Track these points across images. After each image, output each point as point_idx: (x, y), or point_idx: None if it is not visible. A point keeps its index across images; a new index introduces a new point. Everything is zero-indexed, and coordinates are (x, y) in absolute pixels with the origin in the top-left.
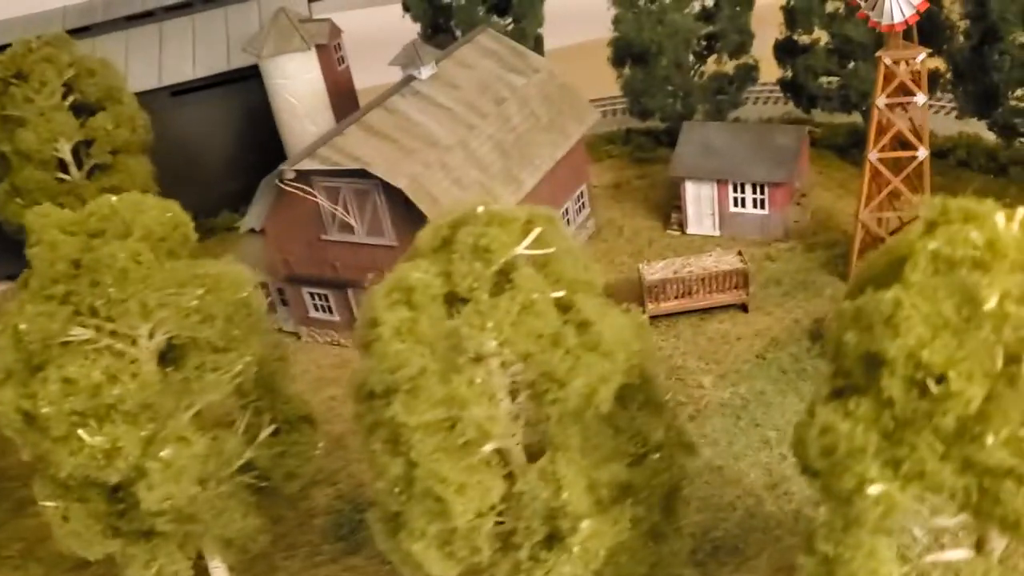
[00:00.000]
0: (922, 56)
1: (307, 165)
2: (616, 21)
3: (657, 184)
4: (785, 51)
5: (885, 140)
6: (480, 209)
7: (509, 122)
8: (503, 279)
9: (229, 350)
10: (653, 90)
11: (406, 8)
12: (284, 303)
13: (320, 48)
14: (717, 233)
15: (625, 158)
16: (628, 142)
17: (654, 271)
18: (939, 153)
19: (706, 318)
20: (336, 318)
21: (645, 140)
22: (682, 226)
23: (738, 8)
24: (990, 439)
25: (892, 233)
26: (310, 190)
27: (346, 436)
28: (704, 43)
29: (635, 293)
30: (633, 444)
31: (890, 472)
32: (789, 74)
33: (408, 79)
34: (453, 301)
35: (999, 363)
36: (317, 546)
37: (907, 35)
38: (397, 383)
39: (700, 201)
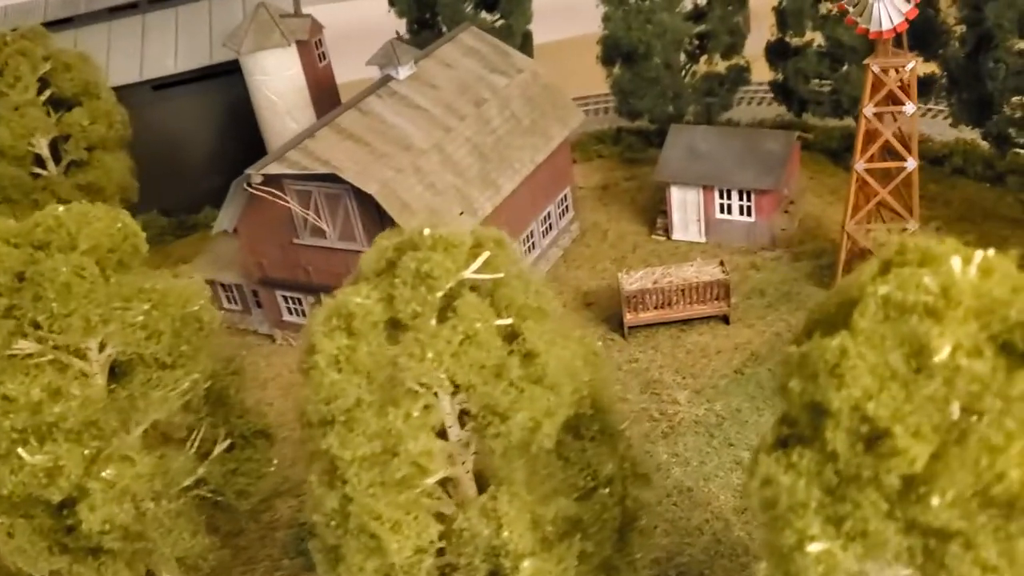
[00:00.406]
0: (911, 64)
1: (275, 169)
2: (605, 19)
3: (645, 186)
4: (777, 53)
5: (873, 150)
6: (426, 231)
7: (488, 124)
8: (447, 307)
9: (177, 366)
10: (641, 91)
11: (391, 3)
12: (259, 305)
13: (301, 44)
14: (703, 240)
15: (615, 158)
16: (618, 142)
17: (633, 280)
18: (935, 160)
19: (686, 329)
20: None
21: (636, 140)
22: (668, 231)
23: (730, 7)
24: (936, 500)
25: (881, 246)
26: (279, 194)
27: None
28: (697, 43)
29: (615, 301)
30: (583, 477)
31: (832, 529)
32: (780, 77)
33: (386, 79)
34: (395, 327)
35: (948, 419)
36: (277, 560)
37: (898, 42)
38: (332, 414)
39: (686, 207)
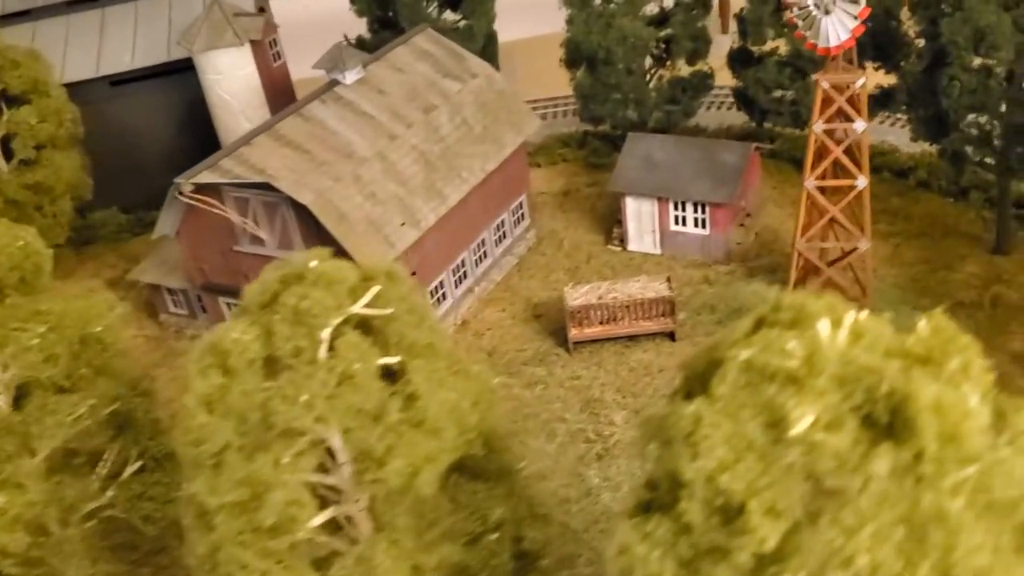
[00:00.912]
0: (861, 81)
1: (206, 178)
2: (569, 21)
3: (606, 193)
4: (739, 60)
5: (823, 167)
6: (313, 264)
7: (437, 132)
8: (326, 346)
9: (75, 390)
10: (602, 96)
11: (352, 1)
12: (204, 311)
13: (254, 44)
14: (658, 251)
15: (579, 163)
16: (584, 146)
17: (577, 296)
18: (900, 172)
19: (631, 346)
20: None
21: (601, 145)
22: (623, 242)
23: (693, 12)
24: None
25: (832, 263)
26: (213, 202)
27: None
28: (664, 47)
29: (564, 314)
30: (472, 522)
31: None
32: (742, 85)
33: (332, 83)
34: (273, 366)
35: (803, 495)
36: None
37: (854, 55)
38: (201, 458)
39: (640, 217)
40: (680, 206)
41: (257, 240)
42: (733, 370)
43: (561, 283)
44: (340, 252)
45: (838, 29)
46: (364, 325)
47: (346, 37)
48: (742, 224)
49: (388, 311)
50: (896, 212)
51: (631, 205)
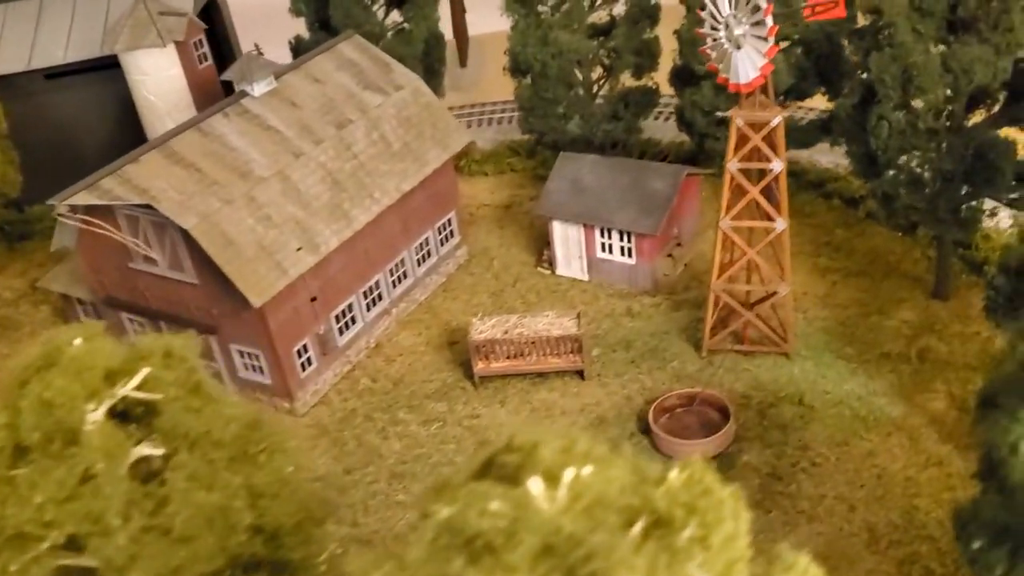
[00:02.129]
0: (777, 120)
1: (83, 200)
2: (512, 28)
3: None
4: (681, 79)
5: (740, 206)
6: (77, 342)
7: (350, 148)
8: (72, 439)
9: None
10: (540, 109)
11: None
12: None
13: (179, 45)
14: (586, 278)
15: (527, 173)
16: (534, 155)
17: (483, 329)
18: (850, 200)
19: (538, 383)
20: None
21: (551, 156)
22: (552, 265)
23: (638, 24)
24: None
25: (753, 305)
26: (98, 222)
27: None
28: (614, 57)
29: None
30: None
31: None
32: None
33: (241, 94)
34: (24, 455)
35: None
36: None
37: (770, 90)
38: None
39: (568, 243)
40: (606, 233)
41: (150, 259)
42: (430, 529)
43: (483, 307)
44: (226, 279)
45: (748, 66)
46: (130, 413)
47: (256, 46)
48: (670, 255)
49: (157, 397)
50: (840, 246)
51: (558, 230)
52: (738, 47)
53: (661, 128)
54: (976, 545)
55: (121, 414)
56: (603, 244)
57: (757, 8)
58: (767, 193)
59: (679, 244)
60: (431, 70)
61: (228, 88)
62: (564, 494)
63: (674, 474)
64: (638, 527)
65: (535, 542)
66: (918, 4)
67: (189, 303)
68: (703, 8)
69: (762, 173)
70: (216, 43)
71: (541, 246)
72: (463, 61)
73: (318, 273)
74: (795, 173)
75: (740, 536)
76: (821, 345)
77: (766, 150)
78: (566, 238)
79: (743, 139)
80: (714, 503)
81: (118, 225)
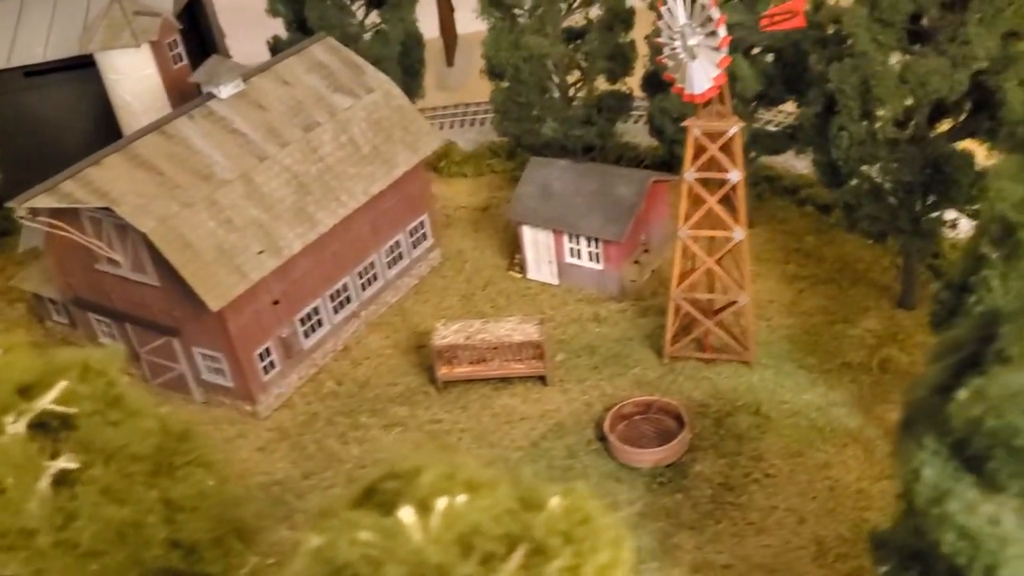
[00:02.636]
0: (734, 129)
1: (43, 202)
2: (489, 31)
3: None
4: (652, 85)
5: (698, 216)
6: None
7: (317, 151)
8: None
9: None
10: (513, 113)
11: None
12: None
13: (153, 45)
14: (556, 282)
15: (507, 175)
16: (514, 156)
17: (445, 335)
18: (823, 207)
19: (501, 388)
20: (122, 348)
21: (536, 150)
22: (523, 269)
23: (611, 29)
24: None
25: (717, 312)
26: (62, 225)
27: None
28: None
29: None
30: None
31: None
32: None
33: (207, 96)
34: None
35: None
36: None
37: (727, 100)
38: None
39: (538, 247)
40: (575, 239)
41: (114, 261)
42: (302, 559)
43: (453, 310)
44: (186, 282)
45: (701, 76)
46: (47, 427)
47: (218, 50)
48: (637, 261)
49: (72, 411)
50: (810, 252)
51: (528, 234)
52: (693, 57)
53: (641, 132)
54: (883, 569)
55: (39, 427)
56: (572, 249)
57: (710, 19)
58: (726, 202)
59: (647, 250)
60: (411, 71)
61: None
62: (437, 523)
63: (555, 501)
64: (515, 557)
65: (401, 573)
66: (878, 15)
67: (152, 305)
68: (660, 17)
69: (722, 182)
70: (200, 42)
71: (514, 249)
72: (450, 60)
73: (281, 276)
74: (770, 178)
75: (619, 565)
76: (783, 354)
77: (723, 160)
78: (536, 243)
79: (701, 149)
80: (592, 532)
81: (82, 227)
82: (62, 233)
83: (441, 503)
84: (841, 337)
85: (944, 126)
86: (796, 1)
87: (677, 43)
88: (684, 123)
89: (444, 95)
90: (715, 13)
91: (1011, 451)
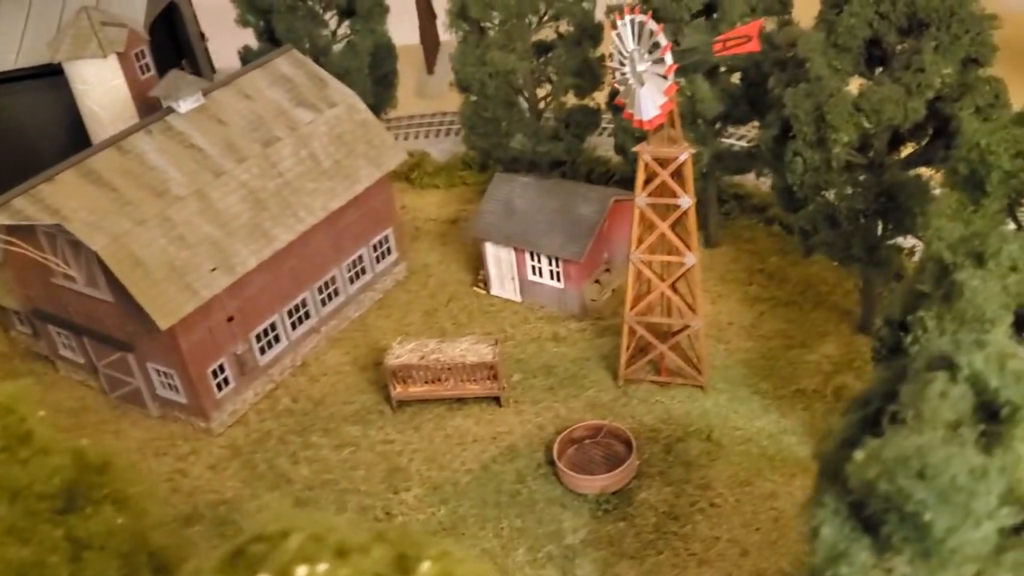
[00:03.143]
0: (684, 156)
1: None
2: (459, 43)
3: None
4: (614, 103)
5: (650, 240)
6: None
7: (276, 167)
8: None
9: None
10: (480, 128)
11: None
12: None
13: (120, 55)
14: (519, 299)
15: (478, 188)
16: (485, 169)
17: (400, 354)
18: (790, 227)
19: (455, 408)
20: (81, 360)
21: (503, 167)
22: (487, 285)
23: (579, 45)
24: None
25: (675, 334)
26: (16, 241)
27: None
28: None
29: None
30: None
31: None
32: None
33: (167, 111)
34: None
35: None
36: None
37: (678, 127)
38: None
39: (501, 264)
40: (536, 257)
41: (69, 276)
42: None
43: (415, 326)
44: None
45: (649, 103)
46: None
47: (184, 64)
48: (598, 280)
49: None
50: (773, 274)
51: (491, 251)
52: (641, 83)
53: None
54: None
55: None
56: (533, 267)
57: (657, 45)
58: (680, 227)
59: (608, 269)
60: (383, 82)
61: None
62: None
63: (425, 567)
64: None
65: None
66: (835, 39)
67: (106, 320)
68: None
69: (674, 207)
70: (177, 49)
71: (480, 265)
72: (430, 68)
73: (236, 293)
74: (739, 196)
75: None
76: (739, 378)
77: (673, 186)
78: (499, 259)
79: (653, 173)
80: None
81: (38, 242)
82: (16, 250)
83: (301, 572)
84: (798, 362)
85: (906, 151)
86: (751, 25)
87: (627, 68)
88: (635, 148)
89: (423, 103)
90: (662, 40)
91: (903, 516)
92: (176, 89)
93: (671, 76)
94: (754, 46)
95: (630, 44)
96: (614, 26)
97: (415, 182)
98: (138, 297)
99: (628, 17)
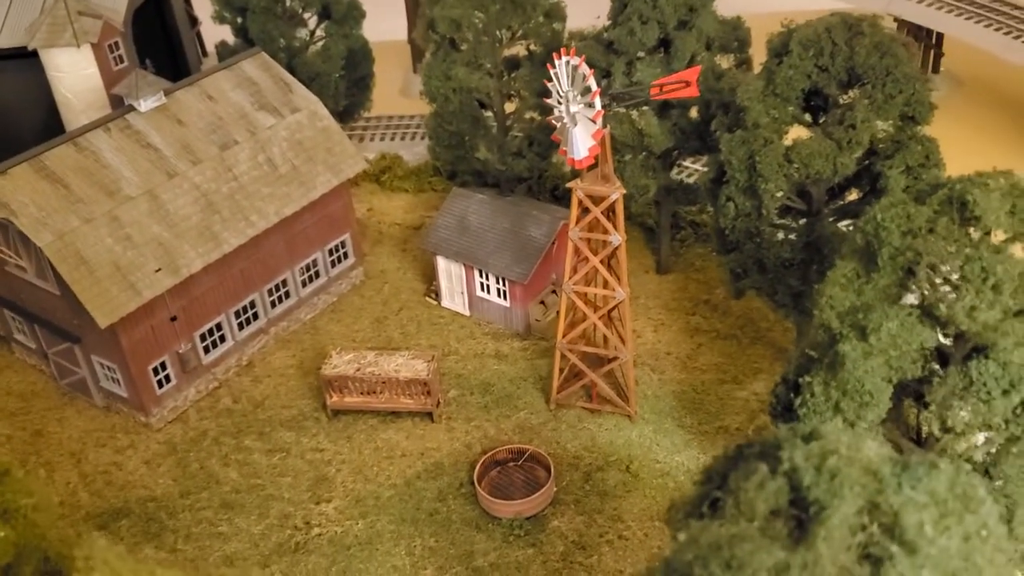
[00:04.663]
0: (615, 196)
1: None
2: (430, 53)
3: None
4: None
5: (583, 272)
6: None
7: (231, 170)
8: None
9: None
10: (444, 141)
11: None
12: None
13: (94, 46)
14: (467, 313)
15: (446, 194)
16: (454, 177)
17: (337, 364)
18: None
19: (388, 421)
20: (33, 345)
21: (472, 179)
22: (438, 296)
23: (544, 65)
24: None
25: (609, 361)
26: None
27: None
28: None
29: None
30: None
31: None
32: None
33: (128, 108)
34: None
35: None
36: None
37: (609, 167)
38: None
39: (451, 277)
40: (484, 274)
41: (21, 267)
42: None
43: (364, 332)
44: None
45: (579, 144)
46: None
47: (147, 63)
48: (542, 301)
49: None
50: (717, 305)
51: (442, 264)
52: (574, 123)
53: None
54: None
55: None
56: (482, 284)
57: (588, 90)
58: (612, 261)
59: (554, 291)
60: (360, 84)
61: None
62: None
63: None
64: None
65: None
66: (773, 88)
67: (54, 311)
68: (549, 79)
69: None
70: (166, 35)
71: (433, 275)
72: (416, 67)
73: (181, 293)
74: (695, 224)
75: None
76: (667, 410)
77: (605, 223)
78: (449, 273)
79: (585, 209)
80: None
81: None
82: None
83: None
84: (727, 398)
85: (852, 196)
86: (689, 71)
87: (562, 107)
88: (568, 184)
89: (404, 103)
90: (592, 85)
91: None
92: (136, 88)
93: (599, 121)
94: (692, 91)
95: (565, 85)
96: (552, 64)
97: (385, 184)
98: (80, 295)
99: (564, 59)
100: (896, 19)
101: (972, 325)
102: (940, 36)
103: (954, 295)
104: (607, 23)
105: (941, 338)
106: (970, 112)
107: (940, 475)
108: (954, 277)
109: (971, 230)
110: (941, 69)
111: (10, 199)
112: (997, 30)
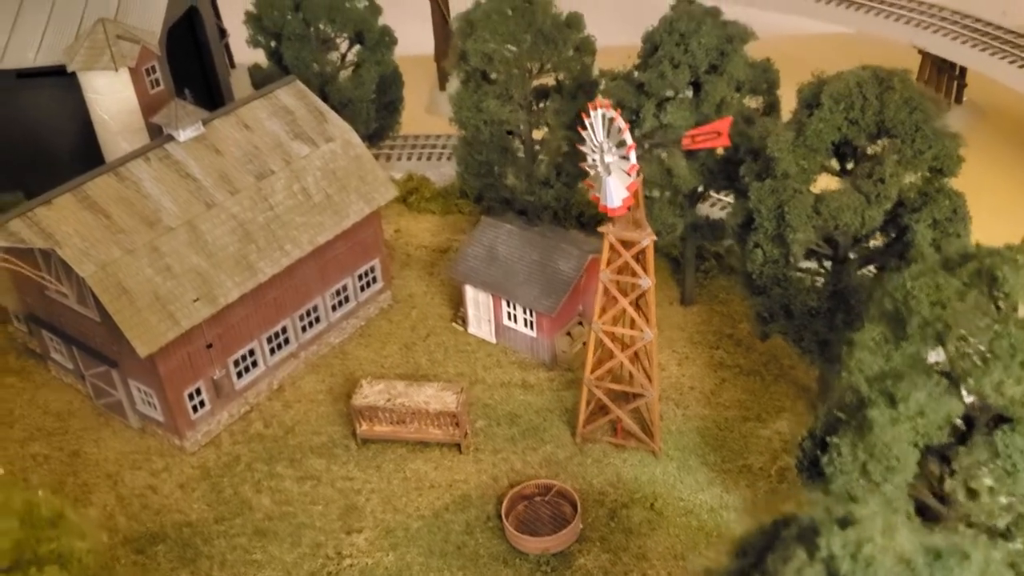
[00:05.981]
0: (647, 241)
1: None
2: (462, 82)
3: None
4: None
5: (612, 312)
6: None
7: (267, 200)
8: None
9: None
10: (473, 169)
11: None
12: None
13: (131, 70)
14: (494, 340)
15: (473, 217)
16: (480, 200)
17: (367, 394)
18: None
19: (418, 451)
20: (71, 366)
21: (497, 205)
22: (465, 323)
23: (574, 98)
24: None
25: (635, 398)
26: (10, 259)
27: None
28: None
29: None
30: None
31: None
32: None
33: (167, 138)
34: None
35: None
36: None
37: (641, 215)
38: None
39: (479, 306)
40: (512, 304)
41: (62, 291)
42: None
43: (392, 358)
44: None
45: (614, 194)
46: None
47: (185, 92)
48: (569, 333)
49: None
50: (741, 340)
51: (470, 293)
52: (608, 173)
53: None
54: None
55: None
56: (509, 313)
57: (623, 143)
58: (640, 302)
59: (581, 323)
60: (389, 108)
61: None
62: None
63: None
64: None
65: None
66: (804, 140)
67: (93, 336)
68: (583, 127)
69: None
70: (197, 50)
71: (460, 300)
72: (443, 85)
73: (218, 321)
74: (719, 255)
75: None
76: (691, 447)
77: (635, 267)
78: (477, 301)
79: (616, 253)
80: None
81: (34, 258)
82: (11, 267)
83: None
84: (750, 436)
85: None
86: (721, 121)
87: (596, 156)
88: (600, 229)
89: (430, 122)
90: (628, 139)
91: None
92: (175, 118)
93: (633, 174)
94: (724, 141)
95: (599, 136)
96: (587, 114)
97: (412, 206)
98: (121, 324)
99: (600, 111)
100: (920, 51)
101: (999, 399)
102: (963, 67)
103: (981, 366)
104: (637, 61)
105: (966, 402)
106: (993, 144)
107: (971, 565)
108: (982, 348)
109: (999, 302)
110: (964, 99)
111: (55, 229)
112: (1022, 67)
